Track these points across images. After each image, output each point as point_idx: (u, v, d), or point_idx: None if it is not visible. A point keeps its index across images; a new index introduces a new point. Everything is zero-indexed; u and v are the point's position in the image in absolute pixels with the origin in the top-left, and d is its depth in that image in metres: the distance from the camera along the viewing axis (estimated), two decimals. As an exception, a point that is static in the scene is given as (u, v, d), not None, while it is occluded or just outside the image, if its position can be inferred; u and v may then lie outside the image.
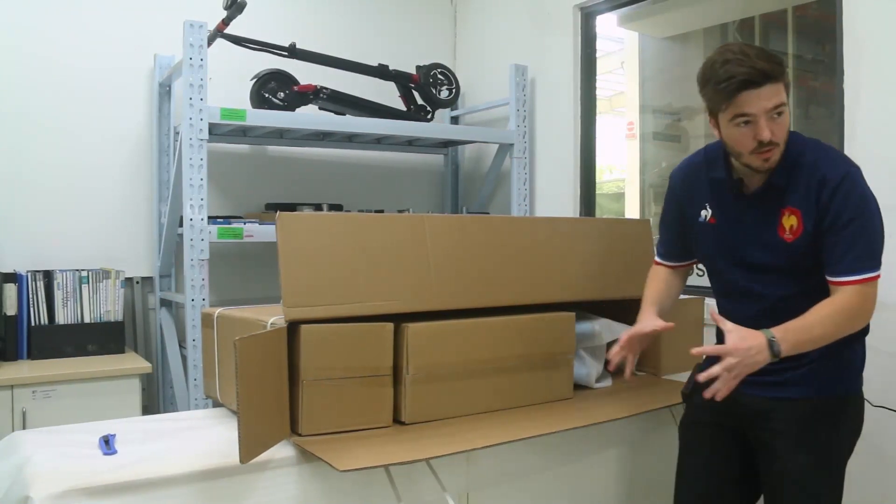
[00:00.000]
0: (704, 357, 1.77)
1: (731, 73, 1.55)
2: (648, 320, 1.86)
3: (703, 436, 1.86)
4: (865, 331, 1.72)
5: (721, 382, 1.54)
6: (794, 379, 1.67)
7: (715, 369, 1.54)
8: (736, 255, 1.75)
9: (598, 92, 3.35)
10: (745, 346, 1.53)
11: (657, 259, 2.01)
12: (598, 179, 3.39)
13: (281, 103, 3.10)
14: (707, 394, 1.56)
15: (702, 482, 1.85)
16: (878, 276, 1.61)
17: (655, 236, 2.20)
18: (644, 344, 1.89)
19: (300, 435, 1.73)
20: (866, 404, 2.21)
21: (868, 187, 1.63)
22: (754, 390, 1.68)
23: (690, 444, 1.90)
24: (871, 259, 1.60)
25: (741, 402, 1.69)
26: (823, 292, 1.62)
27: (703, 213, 1.80)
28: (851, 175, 1.61)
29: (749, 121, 1.57)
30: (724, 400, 1.59)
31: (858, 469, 2.21)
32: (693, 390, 1.82)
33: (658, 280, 1.98)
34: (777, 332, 1.56)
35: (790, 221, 1.65)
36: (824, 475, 1.68)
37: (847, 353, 1.69)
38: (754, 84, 1.54)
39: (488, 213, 3.66)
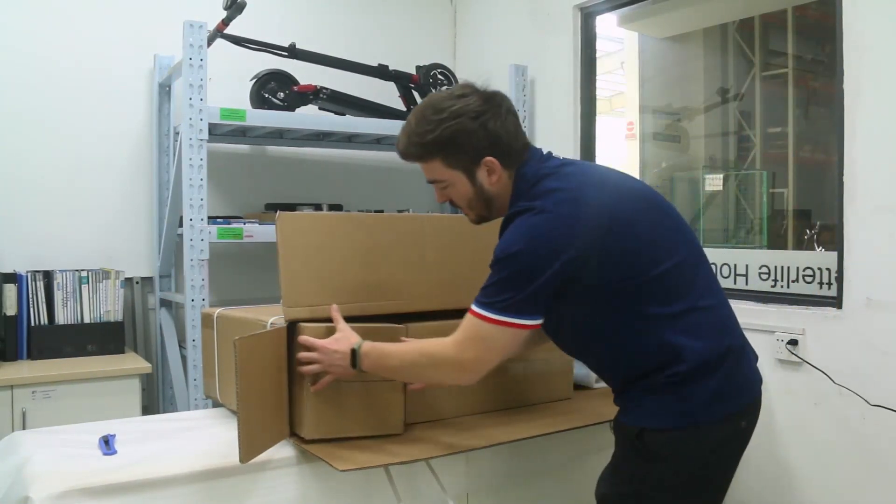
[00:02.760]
0: None
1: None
2: None
3: None
4: (713, 364, 1.46)
5: (311, 370, 1.68)
6: (625, 403, 1.55)
7: (311, 355, 1.67)
8: None
9: (598, 92, 3.34)
10: (332, 347, 1.65)
11: None
12: (597, 179, 3.38)
13: (281, 103, 3.10)
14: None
15: None
16: (491, 320, 1.44)
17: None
18: None
19: (304, 440, 1.72)
20: (863, 402, 2.20)
21: (541, 235, 1.43)
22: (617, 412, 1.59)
23: None
24: (490, 296, 1.46)
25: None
26: (588, 326, 1.53)
27: None
28: (523, 217, 1.46)
29: None
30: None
31: (857, 469, 2.22)
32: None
33: None
34: (366, 347, 1.63)
35: None
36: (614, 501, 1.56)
37: (685, 388, 1.45)
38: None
39: (488, 214, 3.65)
